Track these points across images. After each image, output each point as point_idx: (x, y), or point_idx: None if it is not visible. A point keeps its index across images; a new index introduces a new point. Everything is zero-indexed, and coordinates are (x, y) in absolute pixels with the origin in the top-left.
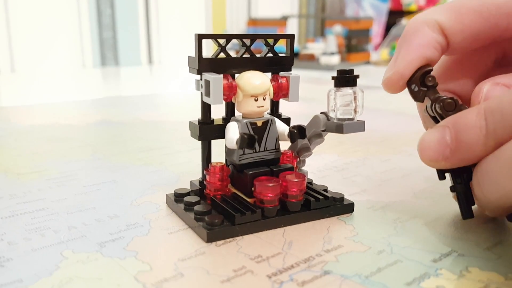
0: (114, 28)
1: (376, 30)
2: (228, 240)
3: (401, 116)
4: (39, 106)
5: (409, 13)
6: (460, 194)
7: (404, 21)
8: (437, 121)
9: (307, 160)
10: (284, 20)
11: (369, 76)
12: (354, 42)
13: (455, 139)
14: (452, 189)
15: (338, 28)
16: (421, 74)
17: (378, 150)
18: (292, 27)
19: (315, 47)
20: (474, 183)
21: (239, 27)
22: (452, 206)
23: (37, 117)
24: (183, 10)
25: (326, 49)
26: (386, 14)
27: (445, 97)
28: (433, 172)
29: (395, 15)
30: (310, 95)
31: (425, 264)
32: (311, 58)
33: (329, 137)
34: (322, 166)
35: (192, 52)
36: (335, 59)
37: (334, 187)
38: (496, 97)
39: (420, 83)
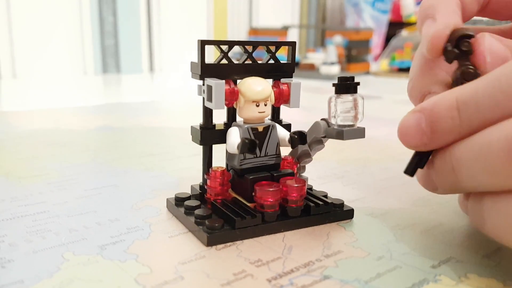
0: (116, 36)
1: (376, 41)
2: (228, 244)
3: None
4: (40, 111)
5: (409, 24)
6: (417, 155)
7: (404, 32)
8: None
9: (307, 167)
10: (285, 30)
11: (369, 85)
12: (354, 52)
13: (430, 128)
14: None
15: (338, 39)
16: (460, 35)
17: (377, 158)
18: (292, 37)
19: (315, 57)
20: (447, 169)
21: (240, 36)
22: (451, 214)
23: (38, 122)
24: (185, 19)
25: (326, 59)
26: (386, 25)
27: (469, 66)
28: None
29: (395, 27)
30: (310, 103)
31: (424, 270)
32: (311, 67)
33: (329, 144)
34: (322, 173)
35: (194, 60)
36: (335, 69)
37: (334, 193)
38: (470, 86)
39: (455, 44)
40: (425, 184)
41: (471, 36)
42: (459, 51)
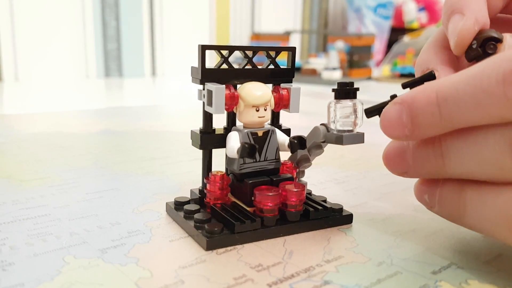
0: (118, 40)
1: (378, 46)
2: (229, 248)
3: None
4: (42, 114)
5: (411, 30)
6: (386, 103)
7: (406, 38)
8: None
9: (308, 172)
10: (287, 35)
11: (371, 91)
12: (356, 58)
13: (410, 121)
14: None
15: (340, 44)
16: (488, 37)
17: (378, 163)
18: (294, 42)
19: (317, 62)
20: (435, 153)
21: (242, 41)
22: None
23: (40, 125)
24: (187, 24)
25: (328, 64)
26: (388, 31)
27: None
28: None
29: (397, 32)
30: (311, 108)
31: (424, 276)
32: (313, 72)
33: (330, 150)
34: (323, 178)
35: (195, 65)
36: (337, 74)
37: (334, 199)
38: (450, 83)
39: (481, 44)
40: (395, 165)
41: (498, 40)
42: (483, 52)
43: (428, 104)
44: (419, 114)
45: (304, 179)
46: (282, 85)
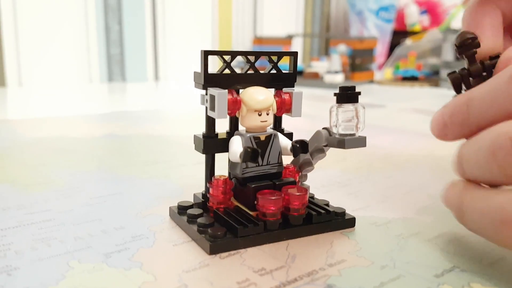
0: (121, 44)
1: (380, 50)
2: (232, 252)
3: (404, 134)
4: (45, 119)
5: (413, 33)
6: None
7: (408, 41)
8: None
9: (311, 175)
10: (289, 39)
11: (373, 94)
12: (358, 61)
13: (449, 120)
14: None
15: (342, 47)
16: (463, 40)
17: (381, 166)
18: (297, 46)
19: (319, 66)
20: (457, 162)
21: (245, 45)
22: (455, 223)
23: (44, 130)
24: (189, 28)
25: (330, 67)
26: (390, 34)
27: (475, 63)
28: (436, 189)
29: (399, 35)
30: (314, 112)
31: (427, 279)
32: (316, 76)
33: (333, 153)
34: (326, 181)
35: (198, 69)
36: (339, 78)
37: (337, 202)
38: (479, 86)
39: (462, 50)
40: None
41: (474, 38)
42: (466, 55)
43: (461, 104)
44: (454, 113)
45: (306, 182)
46: (284, 89)
